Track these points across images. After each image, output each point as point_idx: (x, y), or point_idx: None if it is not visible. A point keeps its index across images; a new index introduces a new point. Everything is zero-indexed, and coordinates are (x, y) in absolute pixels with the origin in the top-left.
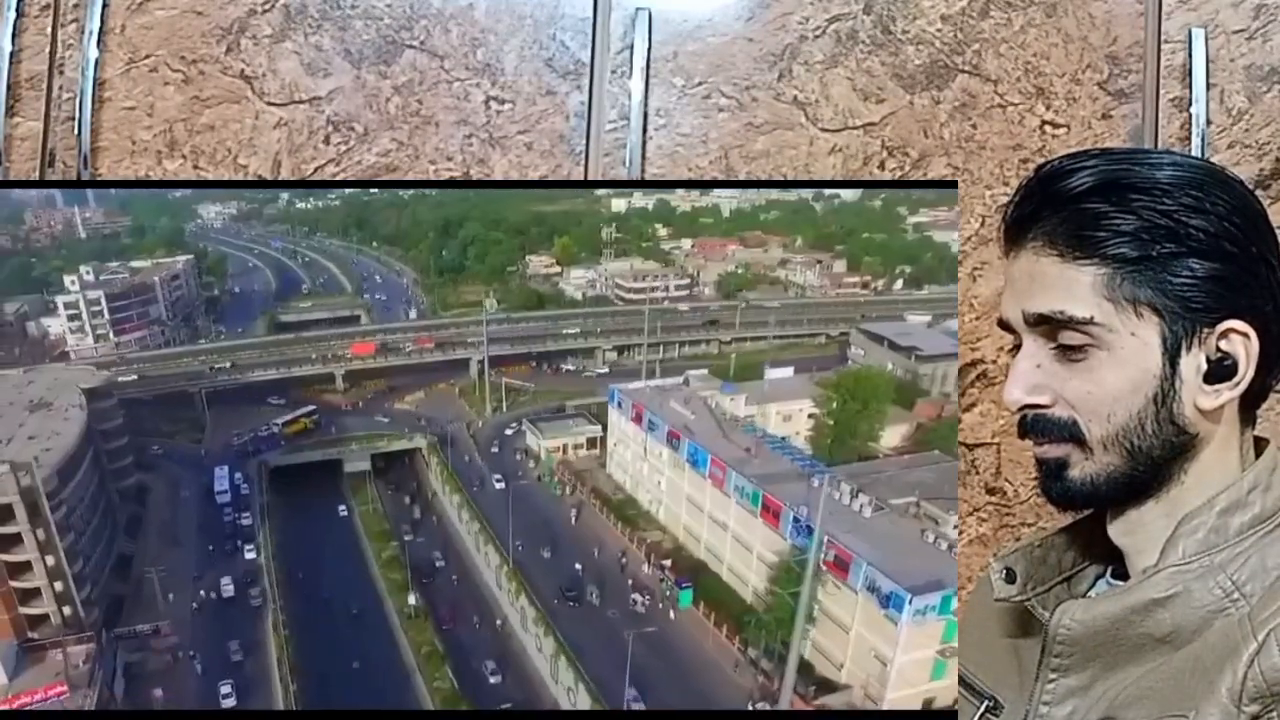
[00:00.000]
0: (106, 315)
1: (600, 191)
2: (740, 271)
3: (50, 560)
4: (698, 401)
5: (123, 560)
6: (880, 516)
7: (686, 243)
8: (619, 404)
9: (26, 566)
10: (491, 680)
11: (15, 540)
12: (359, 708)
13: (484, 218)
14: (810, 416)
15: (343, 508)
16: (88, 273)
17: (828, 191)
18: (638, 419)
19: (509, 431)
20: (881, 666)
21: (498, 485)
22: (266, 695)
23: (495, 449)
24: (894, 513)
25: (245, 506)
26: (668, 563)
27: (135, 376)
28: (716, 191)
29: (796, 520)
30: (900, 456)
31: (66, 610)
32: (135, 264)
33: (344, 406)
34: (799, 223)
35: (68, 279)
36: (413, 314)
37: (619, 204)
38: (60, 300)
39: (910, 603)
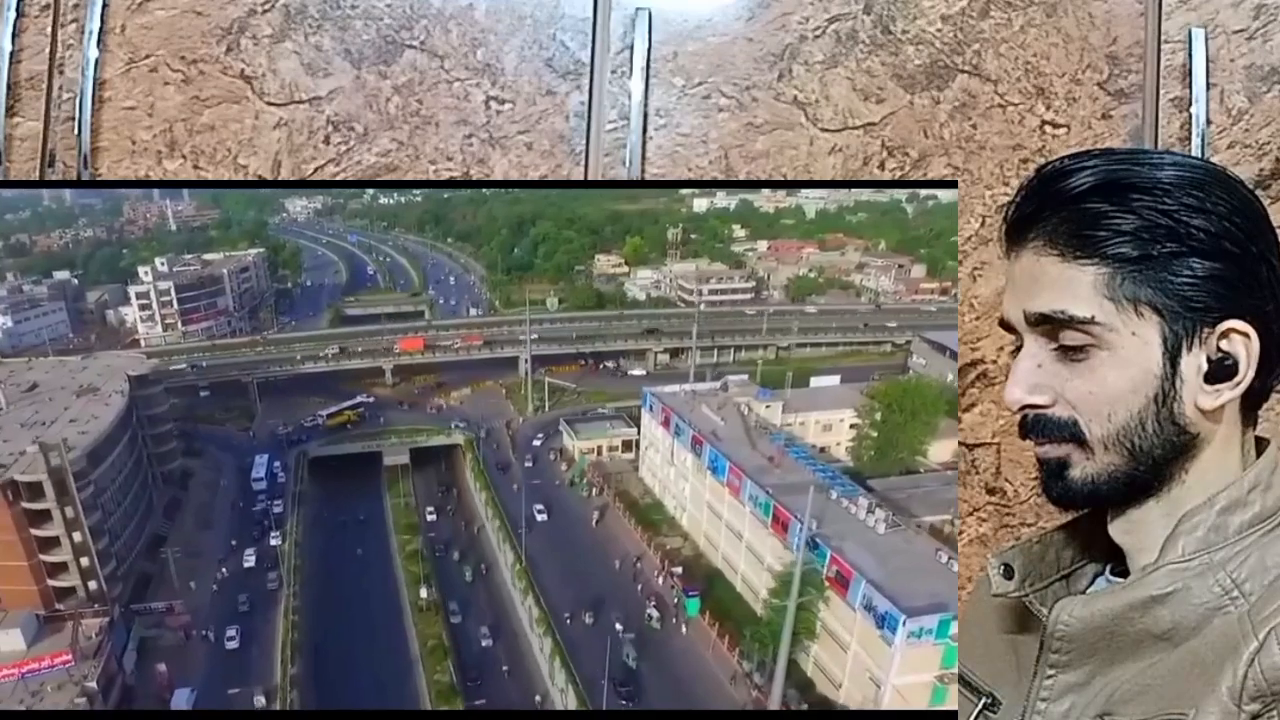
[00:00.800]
0: (175, 305)
1: (684, 191)
2: (812, 275)
3: (77, 537)
4: (731, 407)
5: (157, 540)
6: (894, 533)
7: (763, 245)
8: (650, 407)
9: (55, 542)
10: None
11: (45, 516)
12: (356, 692)
13: (558, 216)
14: (852, 427)
15: (374, 500)
16: (161, 264)
17: (923, 193)
18: (666, 423)
19: (537, 441)
20: (876, 689)
21: (540, 517)
22: (269, 645)
23: (530, 455)
24: (909, 529)
25: (279, 494)
26: (678, 570)
27: (186, 365)
28: (803, 192)
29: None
30: (944, 471)
31: (92, 585)
32: (208, 256)
33: (389, 400)
34: (886, 225)
35: (142, 270)
36: (474, 311)
37: (700, 204)
38: (133, 290)
39: (904, 624)
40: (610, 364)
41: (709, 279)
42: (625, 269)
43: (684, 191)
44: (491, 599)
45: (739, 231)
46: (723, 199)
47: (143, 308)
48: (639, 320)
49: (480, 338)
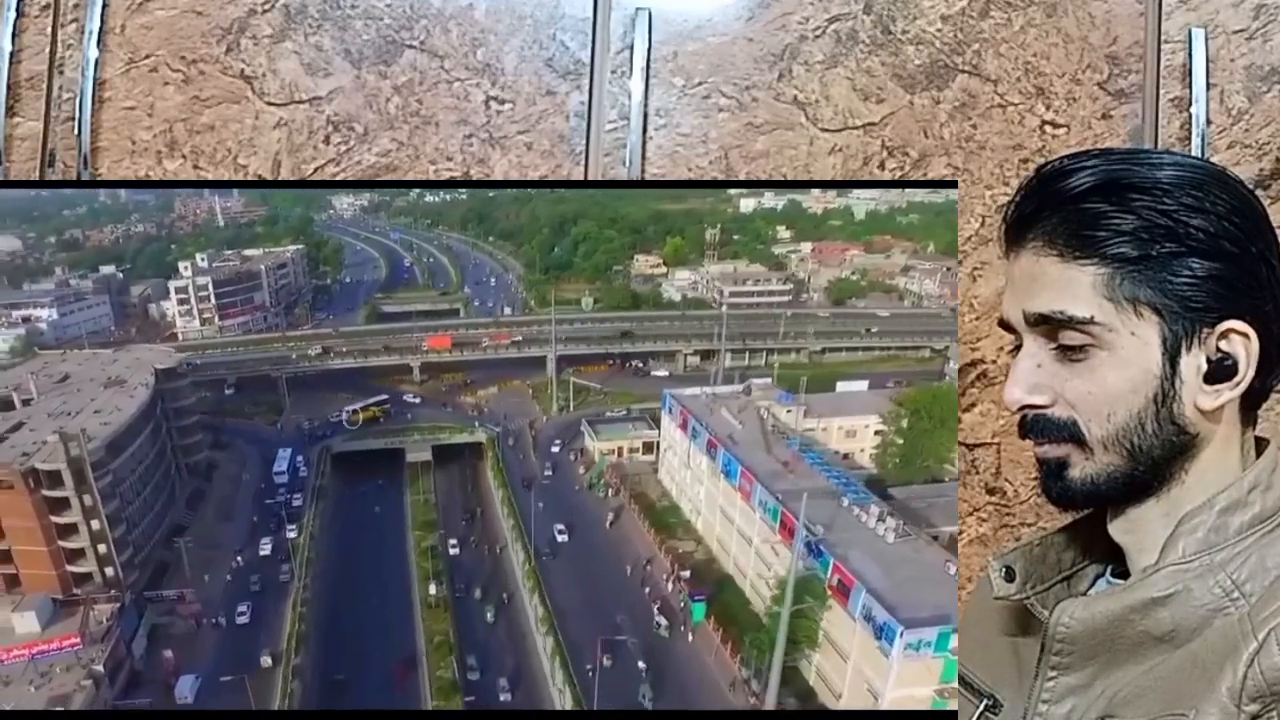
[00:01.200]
0: (213, 300)
1: (731, 191)
2: (854, 278)
3: (94, 524)
4: (751, 411)
5: (177, 530)
6: (904, 542)
7: (807, 246)
8: (669, 409)
9: (73, 529)
10: (501, 691)
11: (64, 504)
12: (357, 686)
13: (601, 215)
14: (877, 433)
15: (394, 496)
16: (201, 259)
17: None
18: (684, 425)
19: (555, 447)
20: (874, 700)
21: (561, 537)
22: (275, 634)
23: (550, 463)
24: (920, 539)
25: (300, 488)
26: (686, 574)
27: (221, 359)
28: (854, 193)
29: (809, 539)
30: None
31: (108, 571)
32: (247, 252)
33: (416, 398)
34: (938, 226)
35: (183, 265)
36: (508, 311)
37: (747, 204)
38: (172, 285)
39: (901, 635)
40: (639, 363)
41: (744, 280)
42: (664, 270)
43: (731, 191)
44: (512, 633)
45: (784, 233)
46: (770, 199)
47: (181, 302)
48: (671, 322)
49: (508, 336)
